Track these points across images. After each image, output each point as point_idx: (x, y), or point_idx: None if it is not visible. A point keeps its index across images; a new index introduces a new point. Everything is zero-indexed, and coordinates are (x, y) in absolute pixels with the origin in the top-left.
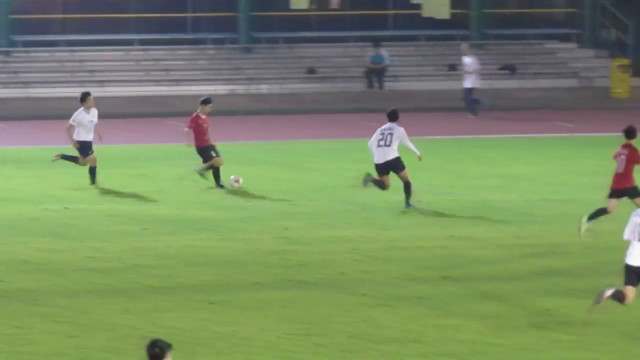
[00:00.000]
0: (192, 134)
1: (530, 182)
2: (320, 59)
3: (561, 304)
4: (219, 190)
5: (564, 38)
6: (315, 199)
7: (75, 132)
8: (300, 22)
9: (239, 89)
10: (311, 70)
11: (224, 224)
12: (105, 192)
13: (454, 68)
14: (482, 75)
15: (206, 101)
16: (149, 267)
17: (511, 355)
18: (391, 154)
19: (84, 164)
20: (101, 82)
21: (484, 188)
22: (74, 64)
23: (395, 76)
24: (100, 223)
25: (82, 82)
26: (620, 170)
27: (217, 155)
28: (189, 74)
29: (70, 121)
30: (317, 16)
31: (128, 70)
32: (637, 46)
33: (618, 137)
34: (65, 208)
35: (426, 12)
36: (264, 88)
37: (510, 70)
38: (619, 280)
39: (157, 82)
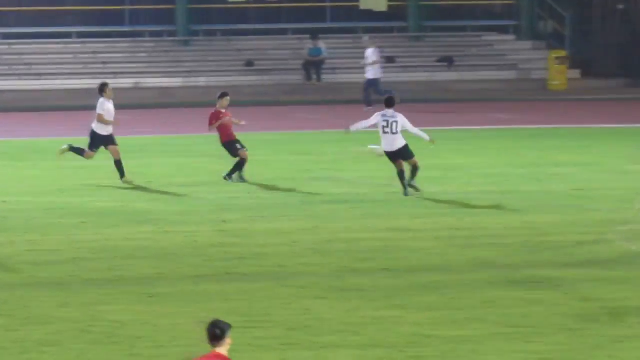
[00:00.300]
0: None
1: (469, 174)
2: (258, 52)
3: (500, 296)
4: (157, 182)
5: (502, 30)
6: (255, 191)
7: (95, 124)
8: (238, 14)
9: (177, 81)
10: (249, 63)
11: (164, 216)
12: (45, 185)
13: (392, 60)
14: (417, 67)
15: (222, 95)
16: (87, 260)
17: (450, 347)
18: (400, 141)
19: (89, 157)
20: (39, 75)
21: (423, 180)
22: (12, 56)
23: (334, 69)
24: (39, 216)
25: (19, 75)
26: None
27: (243, 147)
28: (128, 67)
29: (100, 111)
30: (255, 9)
31: (66, 63)
32: (575, 38)
33: (557, 128)
34: (4, 202)
35: (364, 5)
36: (202, 81)
37: (448, 62)
38: (557, 272)
39: (95, 74)
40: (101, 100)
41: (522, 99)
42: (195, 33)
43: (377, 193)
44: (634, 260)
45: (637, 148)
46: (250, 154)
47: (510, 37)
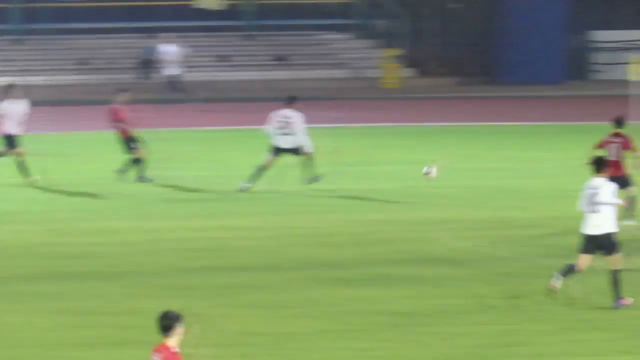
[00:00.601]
0: (122, 124)
1: (300, 173)
2: (93, 50)
3: (328, 294)
4: None
5: (337, 29)
6: (86, 190)
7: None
8: (73, 13)
9: (11, 80)
10: (83, 62)
11: None
12: None
13: (226, 59)
14: (252, 66)
15: (119, 91)
16: None
17: (277, 345)
18: (295, 141)
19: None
20: None
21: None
22: None
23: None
24: None
25: None
26: (615, 157)
27: (139, 147)
28: None
29: None
30: (89, 7)
31: None
32: (411, 37)
33: (389, 126)
34: None
35: (199, 3)
36: (36, 79)
37: (282, 61)
38: (384, 270)
39: None
40: (5, 101)
41: (356, 97)
42: (30, 31)
43: (209, 192)
44: (460, 258)
45: (463, 146)
46: (85, 152)
47: (345, 35)
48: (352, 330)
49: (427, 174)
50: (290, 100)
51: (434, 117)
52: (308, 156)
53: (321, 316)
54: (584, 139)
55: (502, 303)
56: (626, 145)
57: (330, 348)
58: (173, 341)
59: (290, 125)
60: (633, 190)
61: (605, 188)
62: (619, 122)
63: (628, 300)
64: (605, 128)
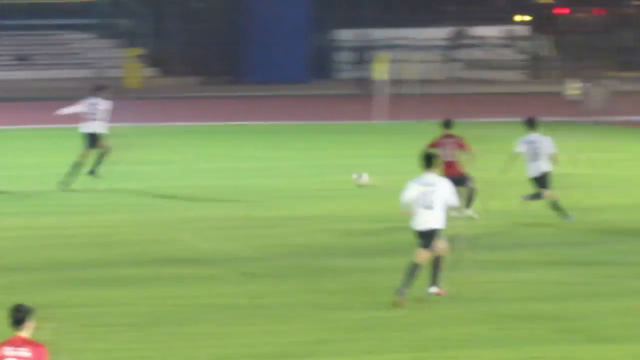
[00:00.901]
0: None
1: (42, 172)
2: None
3: (71, 295)
4: None
5: (79, 28)
6: None
7: None
8: None
9: None
10: None
11: None
12: None
13: None
14: None
15: None
16: None
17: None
18: (98, 128)
19: None
20: None
21: None
22: None
23: None
24: None
25: None
26: (450, 158)
27: None
28: None
29: None
30: None
31: None
32: (154, 36)
33: (131, 126)
34: None
35: None
36: None
37: (24, 61)
38: (130, 271)
39: None
40: None
41: None
42: None
43: None
44: (203, 258)
45: (205, 145)
46: None
47: (87, 35)
48: (96, 332)
49: (360, 183)
50: (98, 89)
51: (176, 116)
52: (103, 150)
53: (64, 318)
54: (326, 138)
55: (246, 303)
56: (460, 145)
57: (73, 350)
58: (24, 334)
59: (99, 113)
60: (471, 184)
61: (442, 186)
62: (447, 124)
63: (401, 300)
64: (345, 127)
